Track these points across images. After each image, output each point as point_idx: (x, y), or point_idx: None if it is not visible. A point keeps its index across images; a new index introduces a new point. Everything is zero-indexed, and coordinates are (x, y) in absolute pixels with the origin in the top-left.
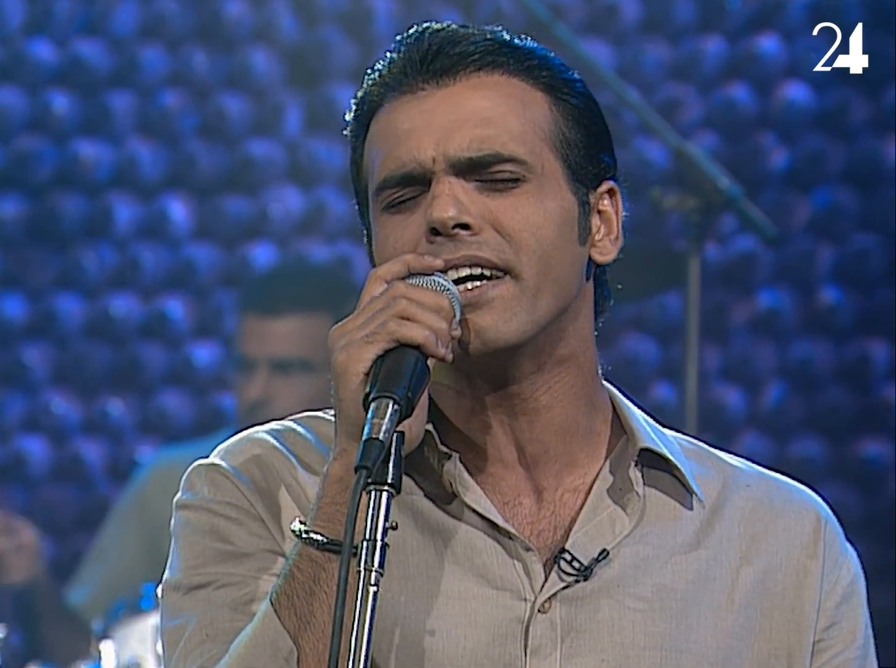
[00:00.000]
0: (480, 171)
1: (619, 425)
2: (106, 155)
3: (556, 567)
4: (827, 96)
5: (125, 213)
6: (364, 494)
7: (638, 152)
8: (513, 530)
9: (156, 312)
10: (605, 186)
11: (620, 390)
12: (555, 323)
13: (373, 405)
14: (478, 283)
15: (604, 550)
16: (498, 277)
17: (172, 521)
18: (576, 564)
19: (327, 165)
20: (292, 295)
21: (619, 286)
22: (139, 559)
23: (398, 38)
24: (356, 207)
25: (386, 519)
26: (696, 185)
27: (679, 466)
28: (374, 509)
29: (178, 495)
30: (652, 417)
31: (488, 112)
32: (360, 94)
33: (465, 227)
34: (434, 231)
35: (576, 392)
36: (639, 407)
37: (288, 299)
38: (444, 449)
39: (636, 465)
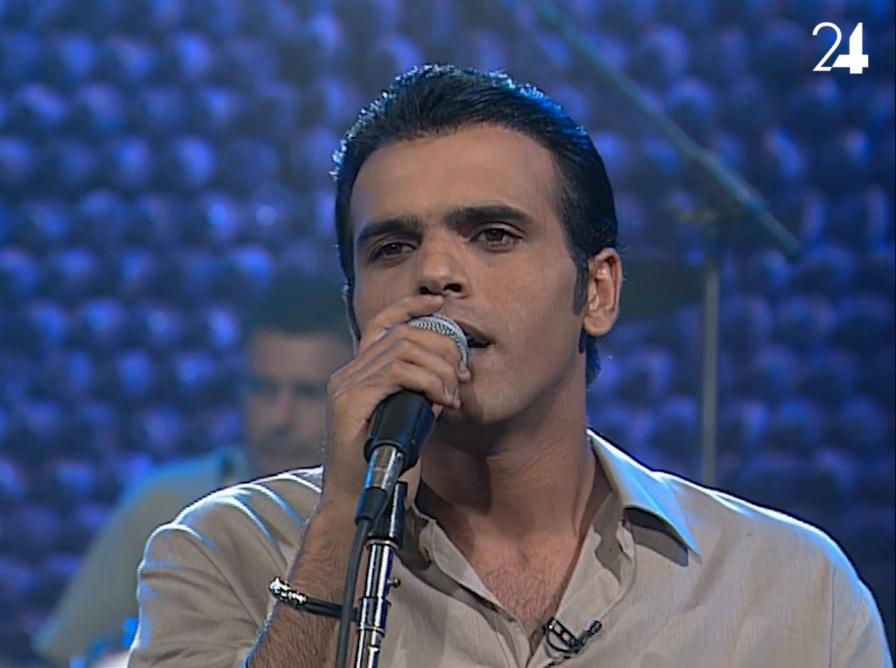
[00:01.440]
0: (478, 226)
1: (605, 482)
2: (86, 156)
3: (544, 640)
4: (853, 93)
5: (106, 217)
6: (364, 549)
7: (649, 156)
8: (494, 601)
9: (138, 322)
10: (604, 254)
11: (599, 434)
12: (546, 395)
13: (375, 453)
14: None
15: (596, 622)
16: (482, 346)
17: (138, 590)
18: (566, 636)
19: (321, 166)
20: (317, 312)
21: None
22: (127, 590)
23: (397, 79)
24: (338, 258)
25: (388, 575)
26: (713, 196)
27: (670, 521)
28: (375, 564)
29: (143, 563)
30: (638, 461)
31: (491, 164)
32: (350, 135)
33: (457, 288)
34: (424, 290)
35: (567, 463)
36: (622, 451)
37: (312, 317)
38: (422, 516)
39: (623, 524)
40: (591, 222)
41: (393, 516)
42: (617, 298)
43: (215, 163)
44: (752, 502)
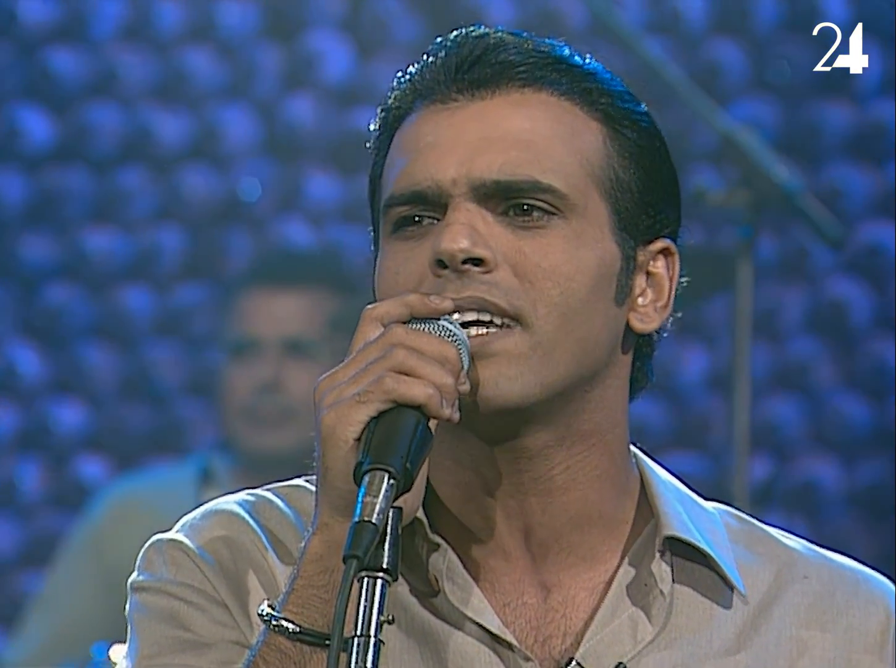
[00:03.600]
0: (508, 199)
1: (648, 507)
2: (52, 126)
3: None
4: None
5: (74, 194)
6: (355, 581)
7: (673, 128)
8: (511, 639)
9: (109, 306)
10: (659, 244)
11: (648, 454)
12: (576, 391)
13: (365, 479)
14: (483, 330)
15: (621, 664)
16: (508, 327)
17: (128, 604)
18: None
19: (309, 135)
20: (304, 265)
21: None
22: (94, 608)
23: (438, 39)
24: (370, 232)
25: (380, 612)
26: (746, 175)
27: (715, 556)
28: (367, 600)
29: (134, 575)
30: (690, 487)
31: (528, 135)
32: (388, 100)
33: (478, 262)
34: (441, 263)
35: (599, 474)
36: (674, 475)
37: (299, 269)
38: (435, 538)
39: (662, 555)
40: (643, 207)
41: (387, 546)
42: (672, 296)
43: (192, 131)
44: (817, 544)
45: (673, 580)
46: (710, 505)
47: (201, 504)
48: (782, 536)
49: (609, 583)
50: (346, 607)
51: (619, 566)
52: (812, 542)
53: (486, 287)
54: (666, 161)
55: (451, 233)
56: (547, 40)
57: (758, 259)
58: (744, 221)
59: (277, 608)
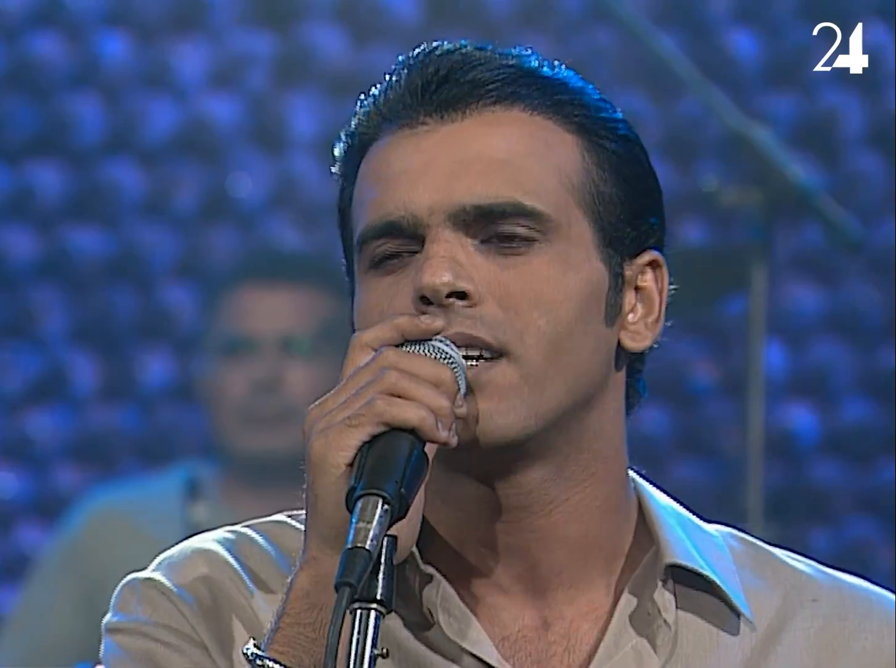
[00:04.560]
0: (488, 225)
1: (647, 533)
2: (33, 115)
3: None
4: None
5: (55, 187)
6: (347, 613)
7: (683, 122)
8: None
9: (90, 308)
10: (646, 257)
11: (646, 478)
12: (572, 420)
13: (358, 505)
14: (474, 362)
15: None
16: (494, 358)
17: (101, 647)
18: None
19: (301, 127)
20: (299, 261)
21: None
22: (74, 627)
23: (400, 58)
24: (343, 262)
25: (374, 645)
26: (760, 174)
27: (719, 583)
28: (360, 633)
29: (108, 616)
30: (691, 510)
31: (504, 155)
32: (352, 124)
33: (462, 295)
34: (424, 299)
35: (599, 504)
36: (671, 497)
37: (294, 265)
38: (427, 570)
39: (664, 583)
40: (628, 221)
41: (380, 576)
42: (663, 309)
43: (179, 123)
44: (826, 565)
45: (677, 609)
46: (712, 528)
47: (187, 518)
48: (789, 557)
49: (611, 614)
50: (339, 639)
51: (619, 597)
52: (828, 558)
53: (470, 322)
54: (646, 168)
55: (433, 267)
56: (514, 51)
57: (773, 259)
58: (758, 220)
59: (263, 648)
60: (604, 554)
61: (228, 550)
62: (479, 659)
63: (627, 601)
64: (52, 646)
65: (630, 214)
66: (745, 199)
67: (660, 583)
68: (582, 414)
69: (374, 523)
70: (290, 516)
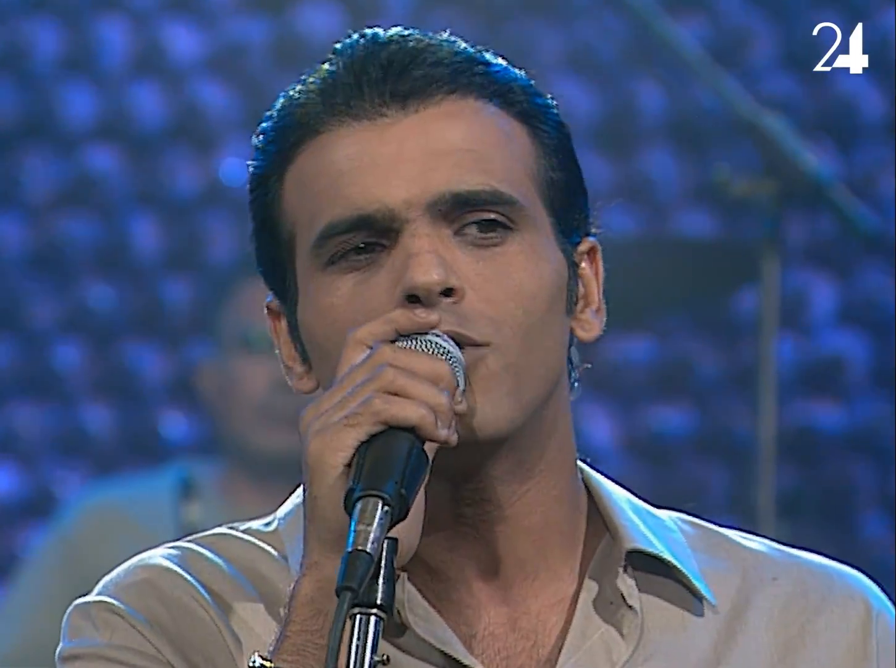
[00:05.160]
0: (465, 215)
1: (601, 520)
2: (20, 102)
3: None
4: None
5: (42, 172)
6: (347, 618)
7: (692, 110)
8: (479, 667)
9: (77, 301)
10: (587, 244)
11: (592, 466)
12: (540, 412)
13: (357, 507)
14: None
15: None
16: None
17: None
18: None
19: None
20: None
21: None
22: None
23: (338, 47)
24: (260, 274)
25: (374, 651)
26: (772, 163)
27: (680, 566)
28: (359, 639)
29: (60, 645)
30: (639, 497)
31: (472, 144)
32: (277, 116)
33: (449, 292)
34: (412, 298)
35: (556, 494)
36: (620, 485)
37: None
38: None
39: (625, 570)
40: (574, 207)
41: (381, 580)
42: (601, 297)
43: (172, 109)
44: (785, 544)
45: (641, 592)
46: (663, 513)
47: (180, 518)
48: (742, 538)
49: (574, 599)
50: (340, 645)
51: (580, 585)
52: (844, 559)
53: (457, 319)
54: (573, 153)
55: (423, 265)
56: (449, 37)
57: (785, 251)
58: (770, 211)
59: (270, 657)
60: (562, 542)
61: (178, 564)
62: (449, 657)
63: (588, 590)
64: (41, 646)
65: (574, 200)
66: (757, 189)
67: (620, 570)
68: (547, 405)
69: (375, 525)
70: (231, 528)
